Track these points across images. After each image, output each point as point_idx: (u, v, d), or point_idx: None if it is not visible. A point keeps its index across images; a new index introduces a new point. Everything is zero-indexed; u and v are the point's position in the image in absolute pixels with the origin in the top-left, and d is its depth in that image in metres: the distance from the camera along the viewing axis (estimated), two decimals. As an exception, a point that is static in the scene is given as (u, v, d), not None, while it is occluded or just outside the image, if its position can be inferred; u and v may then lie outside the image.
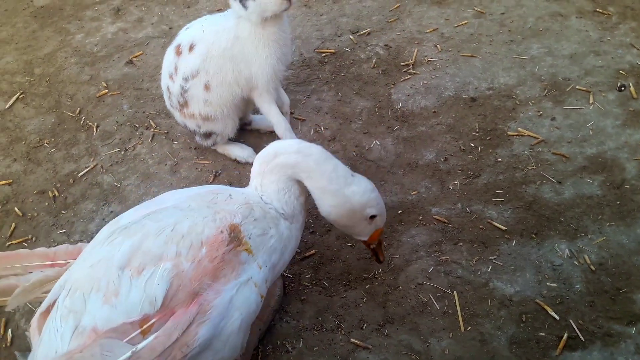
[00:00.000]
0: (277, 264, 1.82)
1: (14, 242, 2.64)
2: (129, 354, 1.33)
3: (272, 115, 2.71)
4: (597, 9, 3.50)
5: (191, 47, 2.53)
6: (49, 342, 1.44)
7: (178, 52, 2.58)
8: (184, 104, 2.66)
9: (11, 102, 3.42)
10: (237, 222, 1.68)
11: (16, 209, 2.79)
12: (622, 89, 2.99)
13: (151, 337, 1.39)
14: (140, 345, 1.36)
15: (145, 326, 1.41)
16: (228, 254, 1.59)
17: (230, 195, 1.82)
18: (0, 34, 4.01)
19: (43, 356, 1.43)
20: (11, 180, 2.94)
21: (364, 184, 1.91)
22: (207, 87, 2.58)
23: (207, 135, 2.77)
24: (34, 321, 1.58)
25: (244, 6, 2.35)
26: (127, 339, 1.38)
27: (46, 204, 2.82)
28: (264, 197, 1.88)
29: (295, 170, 1.86)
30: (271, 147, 1.91)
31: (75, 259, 1.68)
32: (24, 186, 2.91)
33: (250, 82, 2.57)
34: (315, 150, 1.86)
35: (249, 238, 1.69)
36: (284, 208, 1.87)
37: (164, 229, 1.57)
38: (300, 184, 1.91)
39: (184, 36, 2.60)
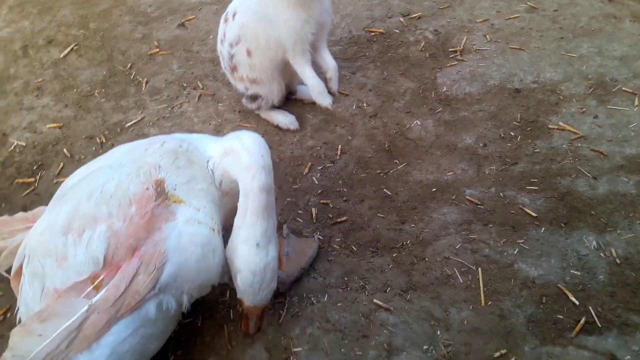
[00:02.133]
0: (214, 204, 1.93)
1: (62, 179, 2.86)
2: (86, 307, 1.59)
3: (306, 77, 2.68)
4: (654, 15, 3.58)
5: (234, 15, 2.69)
6: (26, 305, 1.75)
7: (225, 20, 2.81)
8: (233, 68, 2.86)
9: (66, 52, 3.66)
10: (161, 177, 1.81)
11: (65, 150, 3.02)
12: (670, 94, 3.08)
13: (103, 291, 1.62)
14: (94, 299, 1.61)
15: (96, 282, 1.64)
16: (157, 209, 1.75)
17: (163, 143, 1.96)
18: (59, -13, 4.27)
19: (24, 317, 1.76)
20: (62, 124, 3.18)
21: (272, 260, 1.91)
22: (248, 53, 2.76)
23: (254, 97, 2.95)
24: (12, 282, 1.91)
25: None
26: (83, 294, 1.62)
27: (93, 148, 3.04)
28: (210, 162, 1.99)
29: (240, 180, 1.89)
30: (251, 144, 1.90)
31: None
32: (73, 130, 3.15)
33: (279, 44, 2.61)
34: (268, 186, 1.85)
35: (174, 189, 1.82)
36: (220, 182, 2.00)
37: (94, 191, 1.76)
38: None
39: (232, 4, 2.81)
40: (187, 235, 1.78)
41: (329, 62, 2.77)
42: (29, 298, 1.73)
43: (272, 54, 2.74)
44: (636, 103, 3.05)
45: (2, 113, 3.30)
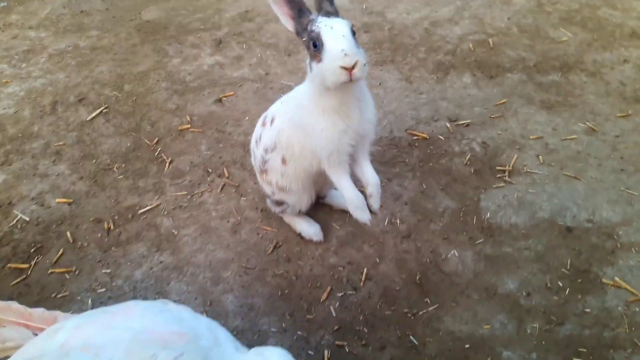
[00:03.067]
0: None
1: (57, 270, 2.50)
2: None
3: (342, 189, 2.22)
4: None
5: (272, 120, 2.35)
6: None
7: (263, 123, 2.43)
8: (264, 171, 2.47)
9: (94, 114, 3.35)
10: None
11: (68, 233, 2.66)
12: None
13: None
14: None
15: None
16: None
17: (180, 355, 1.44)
18: (102, 41, 4.00)
19: None
20: (72, 200, 2.83)
21: None
22: (283, 161, 2.36)
23: (279, 203, 2.56)
24: None
25: (310, 67, 1.96)
26: None
27: (99, 235, 2.67)
28: None
29: None
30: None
31: (48, 326, 1.55)
32: (82, 209, 2.79)
33: (315, 154, 2.20)
34: None
35: None
36: None
37: None
38: None
39: (272, 108, 2.45)
40: None
41: (370, 178, 2.26)
42: None
43: (306, 163, 2.31)
44: None
45: (14, 176, 2.98)
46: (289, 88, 3.53)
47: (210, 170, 2.98)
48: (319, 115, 2.06)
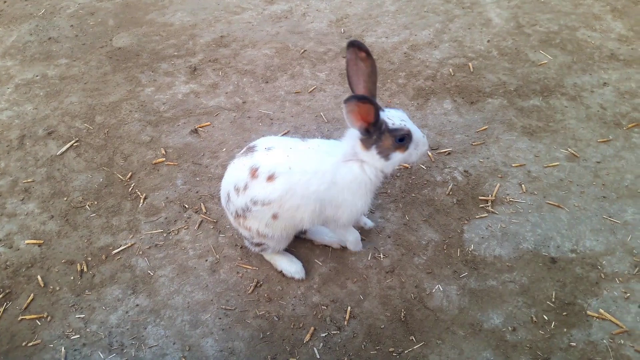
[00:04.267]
0: None
1: (28, 317, 2.50)
2: None
3: (347, 236, 2.70)
4: None
5: (271, 177, 2.33)
6: None
7: (254, 175, 2.35)
8: (241, 216, 2.48)
9: (64, 148, 3.36)
10: None
11: (39, 277, 2.66)
12: None
13: None
14: None
15: None
16: None
17: None
18: (72, 70, 4.02)
19: None
20: (42, 241, 2.83)
21: None
22: (274, 217, 2.42)
23: (258, 244, 2.59)
24: None
25: (387, 157, 2.30)
26: None
27: (72, 277, 2.67)
28: None
29: None
30: None
31: None
32: (53, 250, 2.79)
33: (330, 219, 2.49)
34: None
35: None
36: None
37: None
38: None
39: (264, 160, 2.36)
40: None
41: (367, 221, 2.91)
42: None
43: (305, 223, 2.46)
44: (689, 293, 2.65)
45: (-20, 217, 2.96)
46: (267, 117, 3.59)
47: (186, 206, 3.01)
48: (363, 195, 2.40)
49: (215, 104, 3.69)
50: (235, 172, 2.44)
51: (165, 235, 2.87)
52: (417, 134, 2.31)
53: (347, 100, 2.05)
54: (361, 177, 2.36)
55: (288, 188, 2.32)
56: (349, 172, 2.35)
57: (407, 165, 3.28)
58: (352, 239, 2.71)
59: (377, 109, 2.17)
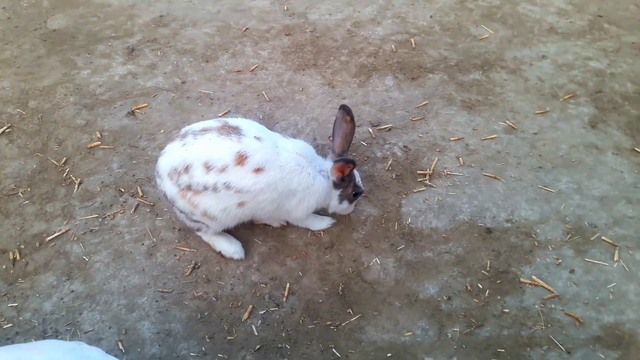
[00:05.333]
0: None
1: (-42, 308, 2.45)
2: None
3: (310, 225, 2.90)
4: (636, 148, 3.36)
5: (258, 170, 2.43)
6: None
7: (240, 162, 2.40)
8: (195, 192, 2.45)
9: (-4, 135, 3.27)
10: None
11: (-31, 267, 2.60)
12: (652, 249, 2.82)
13: None
14: None
15: None
16: None
17: None
18: (4, 53, 3.90)
19: None
20: (-28, 231, 2.76)
21: None
22: (240, 204, 2.49)
23: (196, 222, 2.59)
24: None
25: (341, 202, 2.79)
26: None
27: (4, 266, 2.63)
28: None
29: None
30: None
31: None
32: (-15, 240, 2.74)
33: (284, 214, 2.72)
34: None
35: None
36: None
37: None
38: None
39: (254, 150, 2.43)
40: None
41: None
42: None
43: (260, 214, 2.63)
44: (616, 257, 2.78)
45: None
46: (207, 97, 3.56)
47: (122, 190, 2.98)
48: (316, 203, 2.70)
49: (153, 85, 3.64)
50: (213, 150, 2.41)
51: (100, 220, 2.84)
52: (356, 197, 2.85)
53: (339, 161, 2.57)
54: (324, 193, 2.69)
55: (271, 182, 2.47)
56: (320, 184, 2.64)
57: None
58: (312, 222, 2.87)
59: (354, 167, 2.63)
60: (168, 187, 2.51)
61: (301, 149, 2.62)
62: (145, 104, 3.50)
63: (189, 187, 2.45)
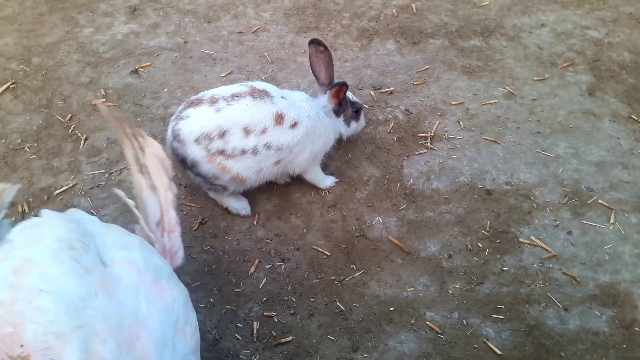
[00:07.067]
0: None
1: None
2: None
3: (318, 177, 2.86)
4: (633, 116, 3.35)
5: (294, 125, 2.54)
6: None
7: (279, 122, 2.48)
8: (227, 156, 2.43)
9: (0, 90, 3.19)
10: None
11: (-22, 218, 2.55)
12: (646, 213, 2.84)
13: None
14: None
15: None
16: None
17: None
18: (5, 10, 3.78)
19: None
20: (-20, 184, 2.71)
21: None
22: (277, 162, 2.55)
23: (219, 186, 2.54)
24: None
25: (348, 124, 2.87)
26: None
27: (13, 219, 2.57)
28: None
29: None
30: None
31: None
32: (-8, 193, 2.68)
33: (311, 158, 2.72)
34: None
35: None
36: None
37: None
38: None
39: (287, 108, 2.53)
40: None
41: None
42: None
43: (293, 169, 2.71)
44: (612, 220, 2.79)
45: None
46: (209, 57, 3.49)
47: (129, 147, 2.92)
48: (331, 136, 2.79)
49: (156, 44, 3.56)
50: (252, 114, 2.44)
51: (107, 175, 2.80)
52: (363, 115, 2.96)
53: (332, 87, 2.64)
54: (332, 127, 2.79)
55: (306, 133, 2.57)
56: (329, 121, 2.76)
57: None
58: (320, 178, 2.85)
59: (347, 89, 2.70)
60: (193, 152, 2.45)
61: (306, 98, 2.74)
62: (149, 63, 3.42)
63: (221, 152, 2.43)
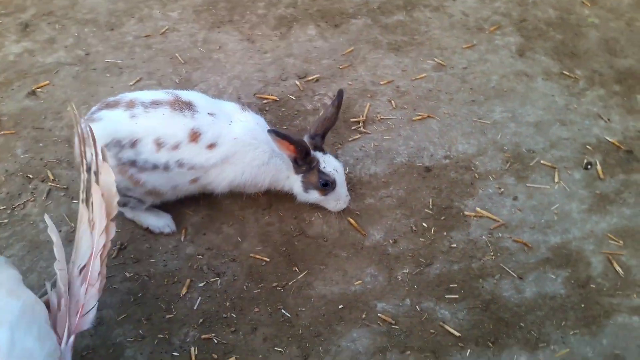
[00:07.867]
0: None
1: None
2: None
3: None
4: (564, 72, 3.40)
5: (212, 145, 2.36)
6: None
7: (194, 139, 2.33)
8: (140, 168, 2.30)
9: None
10: None
11: None
12: (589, 167, 2.87)
13: None
14: None
15: None
16: None
17: None
18: None
19: None
20: None
21: None
22: (193, 181, 2.42)
23: (129, 197, 2.40)
24: None
25: (306, 190, 2.52)
26: None
27: None
28: None
29: None
30: None
31: None
32: None
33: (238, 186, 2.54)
34: None
35: None
36: None
37: None
38: None
39: (208, 127, 2.36)
40: None
41: None
42: None
43: (214, 187, 2.52)
44: (556, 179, 2.81)
45: None
46: (115, 66, 3.34)
47: (31, 176, 2.75)
48: (268, 177, 2.53)
49: (53, 60, 3.38)
50: (164, 126, 2.30)
51: (9, 211, 2.62)
52: (341, 189, 2.54)
53: (269, 131, 2.31)
54: (278, 175, 2.54)
55: (225, 157, 2.39)
56: (275, 165, 2.50)
57: (274, 97, 3.19)
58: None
59: (303, 148, 2.38)
60: (105, 163, 2.30)
61: (251, 120, 2.49)
62: (47, 82, 3.25)
63: (132, 163, 2.30)
